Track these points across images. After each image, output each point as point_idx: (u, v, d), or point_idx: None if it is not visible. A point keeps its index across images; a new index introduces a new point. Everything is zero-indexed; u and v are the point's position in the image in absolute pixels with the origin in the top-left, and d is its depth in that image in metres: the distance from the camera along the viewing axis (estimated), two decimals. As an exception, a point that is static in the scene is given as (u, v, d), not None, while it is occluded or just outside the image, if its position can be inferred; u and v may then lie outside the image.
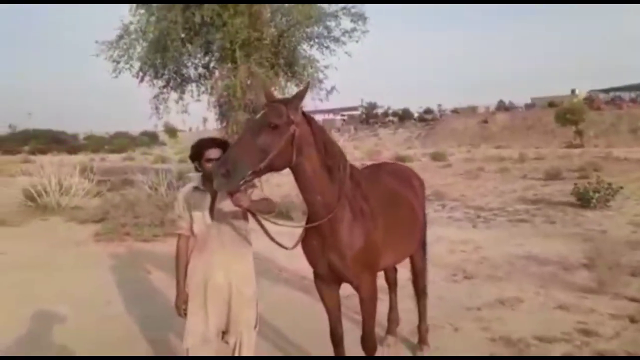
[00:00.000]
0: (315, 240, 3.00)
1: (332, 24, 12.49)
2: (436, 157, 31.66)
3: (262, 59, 11.66)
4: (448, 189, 17.06)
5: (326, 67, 12.67)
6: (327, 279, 3.16)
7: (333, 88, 12.90)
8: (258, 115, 2.75)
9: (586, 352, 4.07)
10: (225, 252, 3.04)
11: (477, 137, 57.61)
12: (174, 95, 13.71)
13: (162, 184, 13.45)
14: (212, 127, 15.01)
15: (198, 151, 3.04)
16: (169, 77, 13.43)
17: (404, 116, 75.51)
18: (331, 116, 76.37)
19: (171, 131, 79.94)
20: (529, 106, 67.99)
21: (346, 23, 12.65)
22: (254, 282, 3.17)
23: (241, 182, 2.52)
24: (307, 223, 3.02)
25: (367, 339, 3.22)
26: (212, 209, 3.04)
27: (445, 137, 55.64)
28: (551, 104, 58.40)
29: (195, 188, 3.13)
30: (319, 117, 56.63)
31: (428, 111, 76.04)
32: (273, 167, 2.66)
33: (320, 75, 12.77)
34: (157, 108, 13.82)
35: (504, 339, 4.36)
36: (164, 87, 13.65)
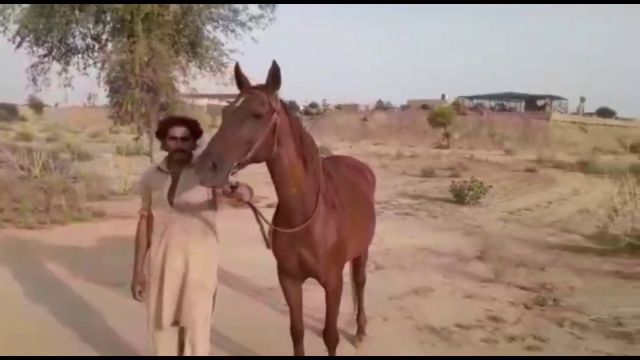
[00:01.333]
0: (286, 234, 2.90)
1: (239, 7, 12.14)
2: (321, 151, 32.33)
3: (164, 35, 10.94)
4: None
5: (232, 51, 12.29)
6: (293, 274, 3.09)
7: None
8: (237, 103, 2.54)
9: (498, 338, 4.50)
10: (186, 236, 2.88)
11: (357, 133, 60.30)
12: (56, 66, 12.25)
13: (37, 164, 12.07)
14: (102, 103, 13.63)
15: (163, 128, 2.90)
16: (52, 46, 11.94)
17: (290, 108, 75.78)
18: (216, 102, 74.15)
19: (37, 106, 71.38)
20: (404, 107, 72.81)
21: (254, 9, 12.38)
22: (214, 274, 3.02)
23: (227, 176, 2.35)
24: (277, 215, 2.92)
25: (331, 333, 3.24)
26: (172, 193, 2.86)
27: (329, 131, 57.32)
28: (424, 106, 63.21)
29: (158, 169, 2.98)
30: (202, 102, 54.74)
31: (313, 105, 77.63)
32: (256, 159, 2.51)
33: (224, 59, 12.35)
34: (34, 79, 12.22)
35: (429, 327, 4.66)
36: (45, 56, 12.11)
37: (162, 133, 2.92)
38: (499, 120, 58.70)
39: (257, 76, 2.94)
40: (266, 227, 2.91)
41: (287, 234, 2.87)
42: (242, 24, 12.50)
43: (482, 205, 13.60)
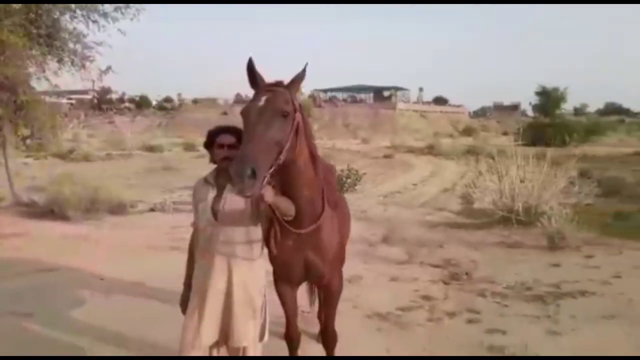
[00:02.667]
0: (291, 239, 2.74)
1: (100, -4, 10.91)
2: (187, 147, 31.23)
3: (15, 25, 9.39)
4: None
5: (98, 44, 11.03)
6: (296, 279, 2.97)
7: (109, 68, 11.32)
8: (260, 102, 2.35)
9: (438, 314, 4.79)
10: (230, 252, 2.73)
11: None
12: None
13: None
14: None
15: (210, 138, 2.82)
16: None
17: (141, 103, 71.54)
18: (56, 99, 66.58)
19: None
20: (264, 100, 72.96)
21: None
22: (261, 291, 2.82)
23: (263, 183, 2.19)
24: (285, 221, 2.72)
25: (331, 333, 3.22)
26: (216, 205, 2.74)
27: (189, 127, 55.09)
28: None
29: (205, 180, 2.86)
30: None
31: (168, 100, 73.99)
32: (285, 162, 2.36)
33: (88, 53, 11.04)
34: None
35: (376, 313, 4.76)
36: None
37: (209, 143, 2.82)
38: (352, 111, 62.21)
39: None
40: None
41: (293, 238, 2.73)
42: (105, 14, 11.33)
43: (359, 192, 14.35)
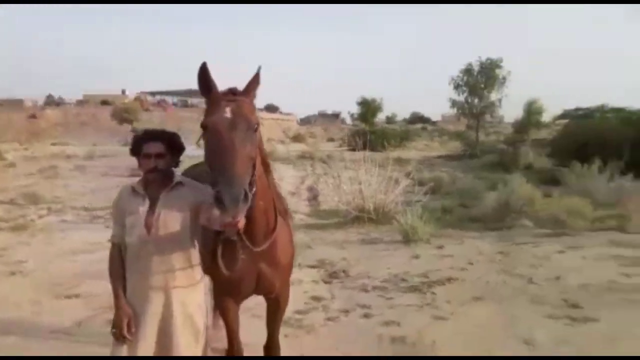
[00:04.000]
0: (244, 254, 2.50)
1: None
2: (-4, 155, 26.64)
3: None
4: (36, 190, 15.06)
5: None
6: (243, 295, 2.77)
7: None
8: (227, 113, 2.15)
9: (333, 313, 4.88)
10: (167, 270, 2.42)
11: (25, 132, 51.66)
12: None
13: None
14: None
15: (136, 145, 2.54)
16: None
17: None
18: None
19: None
20: (80, 103, 66.19)
21: None
22: (203, 312, 2.55)
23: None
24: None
25: (277, 346, 3.11)
26: (149, 219, 2.45)
27: (-15, 131, 47.23)
28: (104, 101, 59.12)
29: (133, 189, 2.57)
30: None
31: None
32: None
33: None
34: None
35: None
36: None
37: (136, 151, 2.54)
38: (185, 116, 59.97)
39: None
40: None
41: (246, 252, 2.49)
42: None
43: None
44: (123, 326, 2.38)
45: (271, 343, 3.11)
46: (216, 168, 2.04)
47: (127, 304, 2.45)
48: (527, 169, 21.19)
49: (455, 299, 5.19)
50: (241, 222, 2.14)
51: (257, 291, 2.79)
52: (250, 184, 2.08)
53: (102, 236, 9.35)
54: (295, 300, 5.20)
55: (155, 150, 2.49)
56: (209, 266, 2.57)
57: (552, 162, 20.03)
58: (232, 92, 2.27)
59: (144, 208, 2.48)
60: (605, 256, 6.66)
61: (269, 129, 65.66)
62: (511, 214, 9.55)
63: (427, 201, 11.79)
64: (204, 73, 2.24)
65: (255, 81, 2.37)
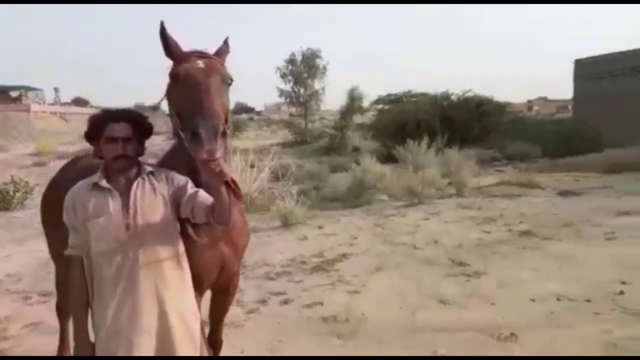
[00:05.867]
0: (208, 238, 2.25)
1: None
2: None
3: None
4: None
5: None
6: (207, 284, 2.46)
7: None
8: (200, 65, 2.06)
9: (251, 306, 4.67)
10: (156, 277, 2.02)
11: None
12: None
13: None
14: None
15: (95, 127, 2.11)
16: None
17: None
18: None
19: None
20: None
21: None
22: (198, 315, 2.19)
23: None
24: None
25: (220, 336, 2.89)
26: (125, 218, 2.04)
27: None
28: None
29: (96, 185, 2.08)
30: None
31: None
32: None
33: None
34: None
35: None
36: None
37: (94, 135, 2.12)
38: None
39: None
40: None
41: (209, 235, 2.24)
42: None
43: (31, 207, 12.14)
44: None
45: (215, 334, 2.86)
46: (190, 108, 1.90)
47: (89, 340, 2.05)
48: (355, 151, 22.99)
49: (360, 272, 5.41)
50: (223, 166, 1.86)
51: (218, 279, 2.50)
52: (224, 135, 1.83)
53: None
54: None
55: (122, 133, 2.07)
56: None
57: (377, 143, 22.04)
58: (201, 53, 2.17)
59: (115, 206, 2.04)
60: (461, 218, 7.62)
61: (76, 125, 59.18)
62: (367, 191, 10.27)
63: (279, 187, 12.08)
64: (164, 33, 2.16)
65: (225, 49, 2.33)
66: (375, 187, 10.62)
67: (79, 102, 68.48)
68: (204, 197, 2.09)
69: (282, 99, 38.98)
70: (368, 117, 32.13)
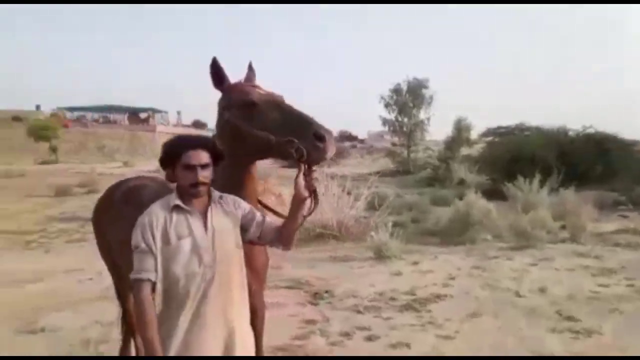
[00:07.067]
0: None
1: None
2: None
3: None
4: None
5: None
6: None
7: None
8: (261, 90, 2.36)
9: (334, 337, 4.52)
10: (226, 303, 2.05)
11: None
12: None
13: None
14: None
15: (175, 152, 2.09)
16: None
17: None
18: None
19: None
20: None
21: None
22: (253, 352, 2.19)
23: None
24: None
25: None
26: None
27: None
28: (16, 118, 54.77)
29: (176, 207, 2.08)
30: None
31: None
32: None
33: None
34: None
35: (277, 348, 4.24)
36: None
37: (169, 160, 2.10)
38: (105, 133, 56.93)
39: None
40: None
41: None
42: None
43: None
44: None
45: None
46: (290, 124, 2.14)
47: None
48: (460, 184, 22.07)
49: (453, 316, 5.02)
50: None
51: None
52: None
53: (44, 262, 8.44)
54: (285, 324, 4.87)
55: (200, 160, 2.07)
56: None
57: (484, 178, 20.95)
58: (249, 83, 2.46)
59: (198, 228, 2.05)
60: (575, 267, 6.85)
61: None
62: (473, 227, 9.69)
63: (383, 216, 11.86)
64: (218, 67, 2.36)
65: (252, 74, 2.53)
66: (479, 225, 10.01)
67: (198, 124, 73.99)
68: (271, 220, 2.22)
69: (385, 128, 38.89)
70: (476, 149, 30.83)
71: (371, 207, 12.65)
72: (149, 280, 1.98)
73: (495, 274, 6.57)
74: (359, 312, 5.28)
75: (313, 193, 2.10)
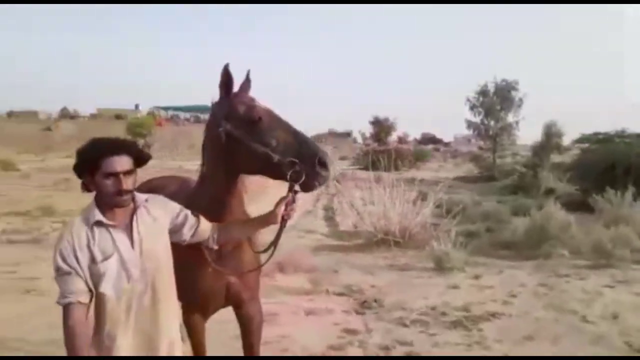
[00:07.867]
0: (213, 261, 2.36)
1: None
2: (5, 166, 26.69)
3: None
4: (51, 202, 14.85)
5: None
6: (212, 308, 2.63)
7: None
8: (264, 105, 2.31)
9: (372, 349, 4.40)
10: (166, 317, 2.03)
11: (39, 145, 51.99)
12: None
13: None
14: None
15: (93, 158, 1.90)
16: None
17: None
18: None
19: None
20: (94, 116, 66.89)
21: None
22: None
23: None
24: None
25: None
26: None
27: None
28: (117, 116, 59.58)
29: (98, 223, 1.92)
30: None
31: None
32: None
33: None
34: None
35: (313, 355, 4.22)
36: None
37: (89, 168, 1.91)
38: (196, 131, 60.10)
39: None
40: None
41: (214, 260, 2.36)
42: None
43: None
44: None
45: None
46: (295, 146, 2.12)
47: None
48: (548, 193, 20.59)
49: (506, 338, 4.68)
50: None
51: (225, 304, 2.64)
52: None
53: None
54: (326, 332, 4.81)
55: (124, 167, 1.91)
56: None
57: (574, 188, 19.43)
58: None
59: (123, 244, 1.95)
60: (661, 293, 6.12)
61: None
62: (549, 241, 8.99)
63: (444, 225, 11.37)
64: (229, 75, 2.28)
65: (248, 84, 2.41)
66: (555, 239, 9.26)
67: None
68: (206, 221, 2.22)
69: (469, 132, 37.42)
70: (569, 156, 28.67)
71: (446, 213, 12.20)
72: (78, 302, 1.85)
73: (563, 295, 6.03)
74: (404, 325, 5.09)
75: (283, 223, 2.19)
